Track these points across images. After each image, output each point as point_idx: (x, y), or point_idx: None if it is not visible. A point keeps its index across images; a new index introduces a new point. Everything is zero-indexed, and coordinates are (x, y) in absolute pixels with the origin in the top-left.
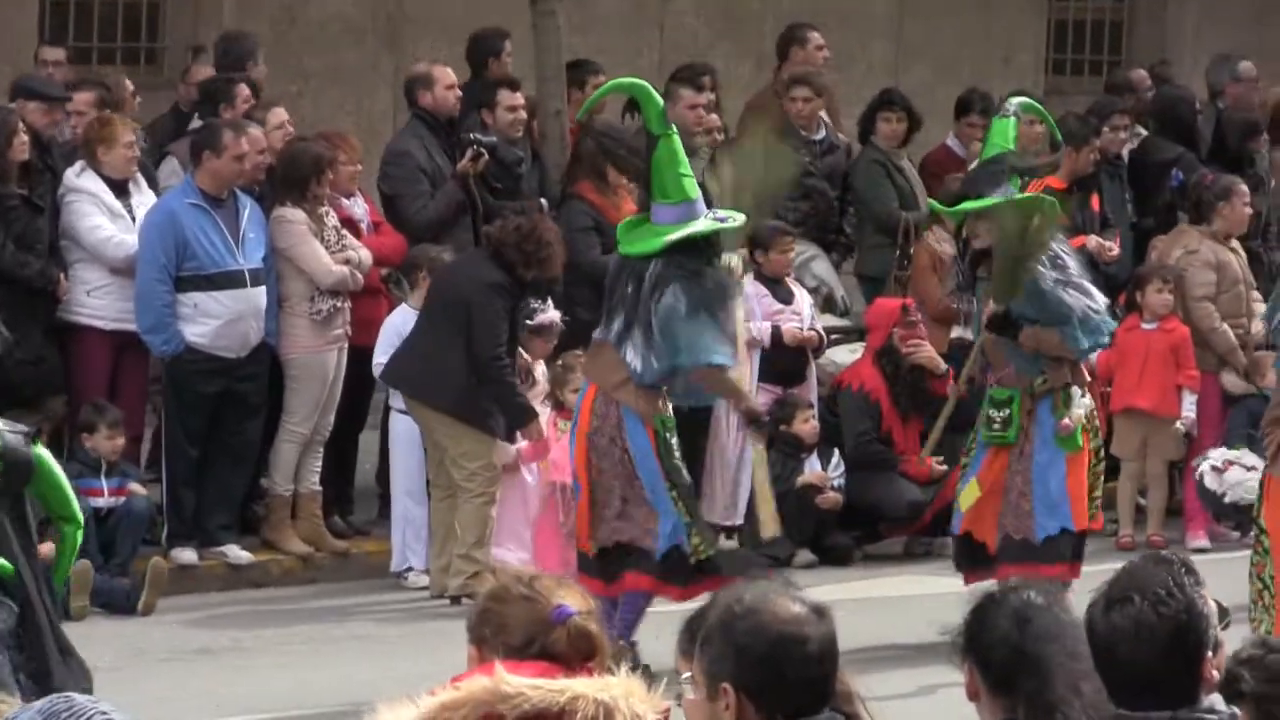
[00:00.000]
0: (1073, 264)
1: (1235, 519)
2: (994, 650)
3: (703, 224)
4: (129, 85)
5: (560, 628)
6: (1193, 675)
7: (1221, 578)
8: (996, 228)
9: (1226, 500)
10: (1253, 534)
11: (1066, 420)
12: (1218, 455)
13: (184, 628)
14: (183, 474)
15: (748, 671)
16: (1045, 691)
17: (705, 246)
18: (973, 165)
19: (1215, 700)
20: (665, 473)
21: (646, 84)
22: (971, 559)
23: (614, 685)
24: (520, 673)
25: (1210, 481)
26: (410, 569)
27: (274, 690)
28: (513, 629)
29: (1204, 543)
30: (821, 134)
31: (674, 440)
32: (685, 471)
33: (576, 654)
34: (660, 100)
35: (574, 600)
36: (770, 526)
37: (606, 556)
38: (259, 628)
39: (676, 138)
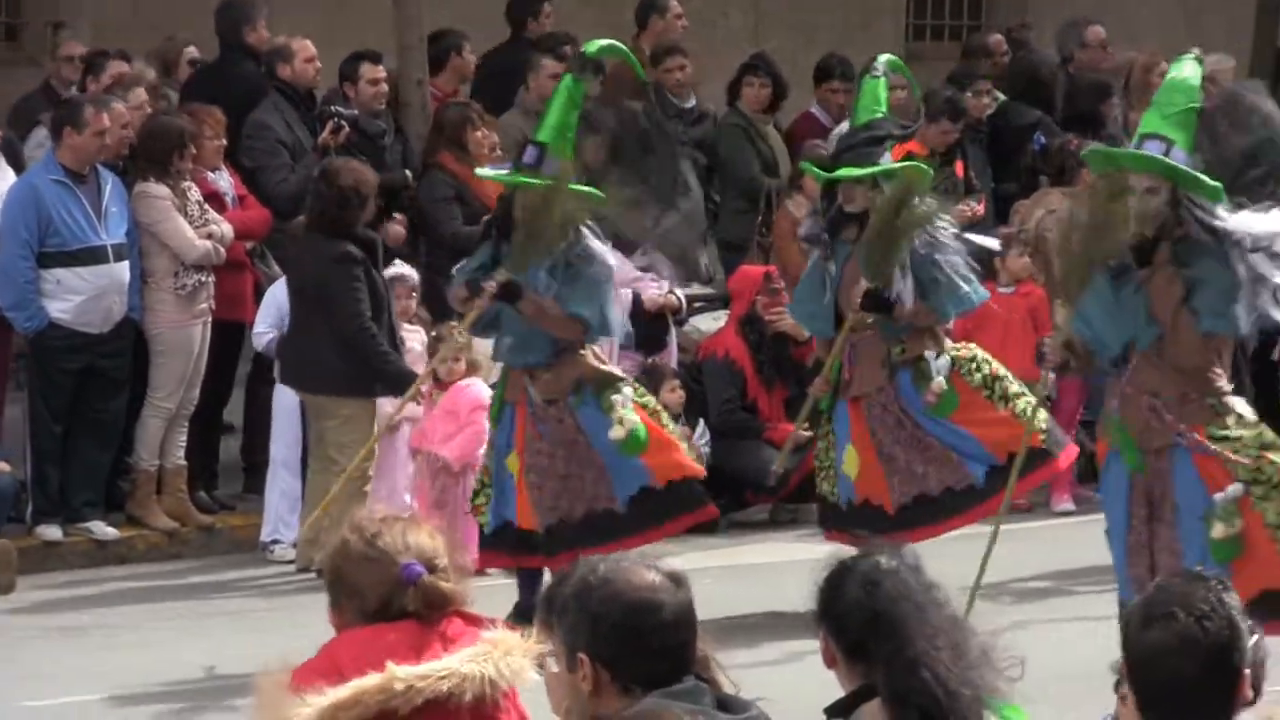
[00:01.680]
0: (947, 232)
1: None
2: (847, 616)
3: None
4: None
5: (412, 588)
6: (1231, 693)
7: (1087, 543)
8: (877, 200)
9: None
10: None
11: (930, 396)
12: None
13: (49, 605)
14: (47, 450)
15: (602, 641)
16: (905, 649)
17: None
18: (842, 128)
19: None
20: None
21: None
22: (869, 523)
23: (492, 650)
24: (388, 639)
25: None
26: (278, 542)
27: (141, 666)
28: (366, 594)
29: (1069, 506)
30: (692, 102)
31: None
32: None
33: (431, 608)
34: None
35: (421, 544)
36: None
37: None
38: (125, 604)
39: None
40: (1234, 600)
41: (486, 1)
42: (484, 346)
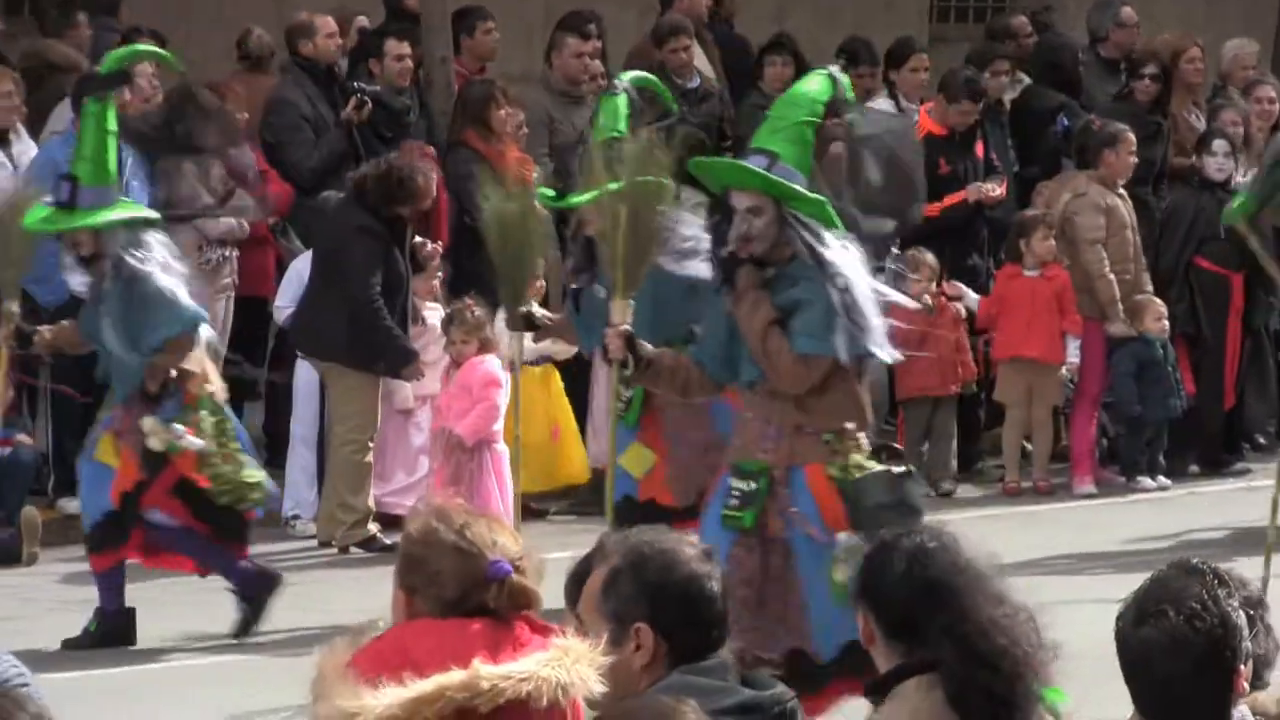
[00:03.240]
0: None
1: None
2: (893, 591)
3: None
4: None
5: (496, 584)
6: (1226, 691)
7: (1108, 524)
8: (609, 218)
9: None
10: None
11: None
12: None
13: (70, 578)
14: (67, 424)
15: (663, 611)
16: (970, 615)
17: None
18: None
19: (1244, 713)
20: None
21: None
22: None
23: (566, 658)
24: (467, 635)
25: None
26: (298, 517)
27: (161, 639)
28: (446, 583)
29: (1090, 488)
30: (695, 82)
31: None
32: None
33: (511, 607)
34: None
35: (508, 546)
36: None
37: None
38: (145, 577)
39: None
40: (1227, 595)
41: None
42: (498, 324)
